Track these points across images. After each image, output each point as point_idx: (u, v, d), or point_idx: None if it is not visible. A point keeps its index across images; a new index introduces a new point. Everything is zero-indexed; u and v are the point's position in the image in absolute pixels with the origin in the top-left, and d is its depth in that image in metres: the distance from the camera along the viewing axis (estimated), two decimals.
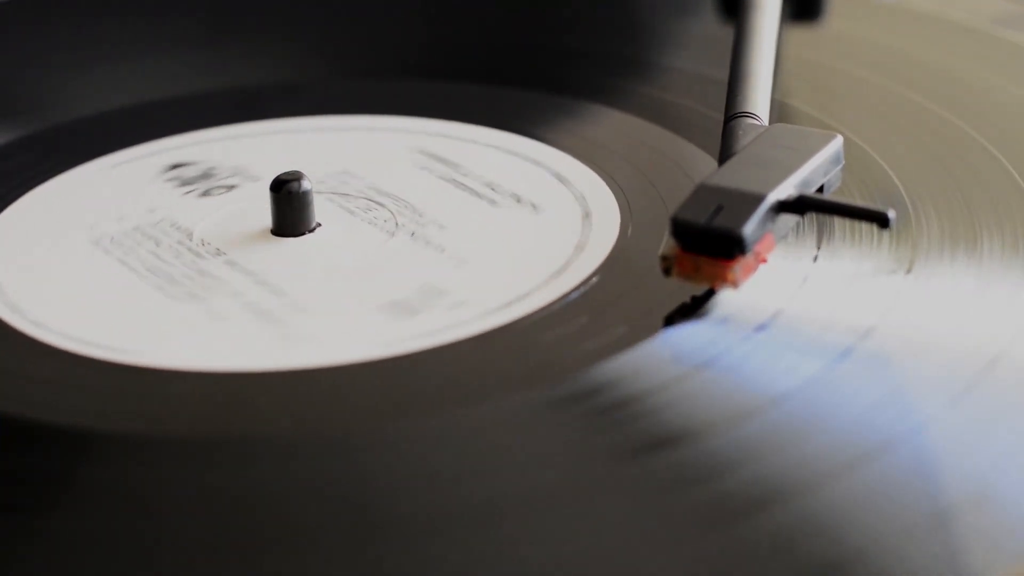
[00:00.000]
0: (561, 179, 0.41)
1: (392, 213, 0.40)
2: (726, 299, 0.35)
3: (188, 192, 0.42)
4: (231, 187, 0.42)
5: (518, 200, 0.40)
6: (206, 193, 0.42)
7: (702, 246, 0.34)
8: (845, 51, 0.48)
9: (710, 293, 0.35)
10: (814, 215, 0.37)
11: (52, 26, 0.53)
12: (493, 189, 0.41)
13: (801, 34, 0.50)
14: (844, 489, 0.30)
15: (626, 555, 0.29)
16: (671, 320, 0.35)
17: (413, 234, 0.39)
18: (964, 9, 0.50)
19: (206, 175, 0.42)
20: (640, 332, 0.34)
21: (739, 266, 0.34)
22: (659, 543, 0.29)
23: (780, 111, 0.44)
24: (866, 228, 0.37)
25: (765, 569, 0.28)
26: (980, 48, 0.48)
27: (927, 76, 0.46)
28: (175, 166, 0.43)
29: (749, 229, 0.34)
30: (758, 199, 0.35)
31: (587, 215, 0.39)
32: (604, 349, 0.34)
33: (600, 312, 0.35)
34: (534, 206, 0.40)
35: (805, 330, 0.34)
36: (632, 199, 0.40)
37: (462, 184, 0.41)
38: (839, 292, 0.36)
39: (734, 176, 0.36)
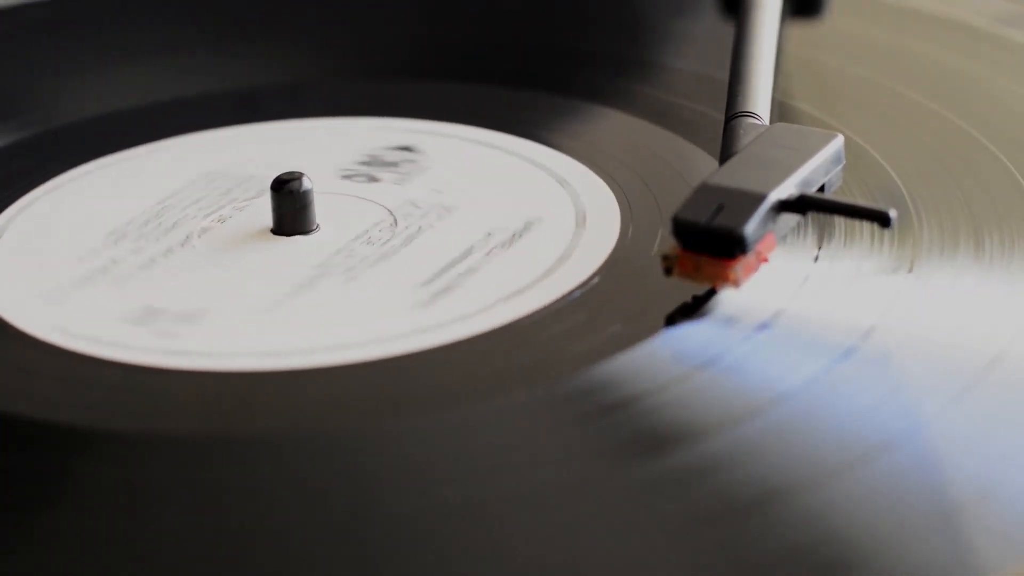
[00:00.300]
0: (561, 180, 0.41)
1: (388, 211, 0.40)
2: (727, 299, 0.35)
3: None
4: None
5: (518, 201, 0.41)
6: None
7: (703, 246, 0.34)
8: (846, 50, 0.48)
9: (711, 293, 0.35)
10: (815, 215, 0.37)
11: (52, 30, 0.53)
12: (492, 188, 0.41)
13: (802, 33, 0.50)
14: (845, 488, 0.30)
15: (626, 555, 0.29)
16: (671, 320, 0.35)
17: (420, 228, 0.39)
18: (966, 8, 0.50)
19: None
20: (640, 332, 0.34)
21: (740, 266, 0.34)
22: (659, 543, 0.29)
23: (781, 110, 0.44)
24: (867, 228, 0.37)
25: (766, 569, 0.28)
26: (982, 47, 0.48)
27: (928, 75, 0.46)
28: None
29: (750, 228, 0.34)
30: (759, 198, 0.35)
31: (586, 215, 0.39)
32: (604, 349, 0.34)
33: (600, 312, 0.35)
34: (533, 204, 0.40)
35: (806, 330, 0.34)
36: (632, 199, 0.40)
37: (454, 180, 0.42)
38: (840, 292, 0.36)
39: (735, 175, 0.36)
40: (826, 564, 0.28)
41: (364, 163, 0.43)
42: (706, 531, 0.29)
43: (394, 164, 0.43)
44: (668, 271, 0.35)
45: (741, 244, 0.34)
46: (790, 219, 0.36)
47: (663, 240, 0.37)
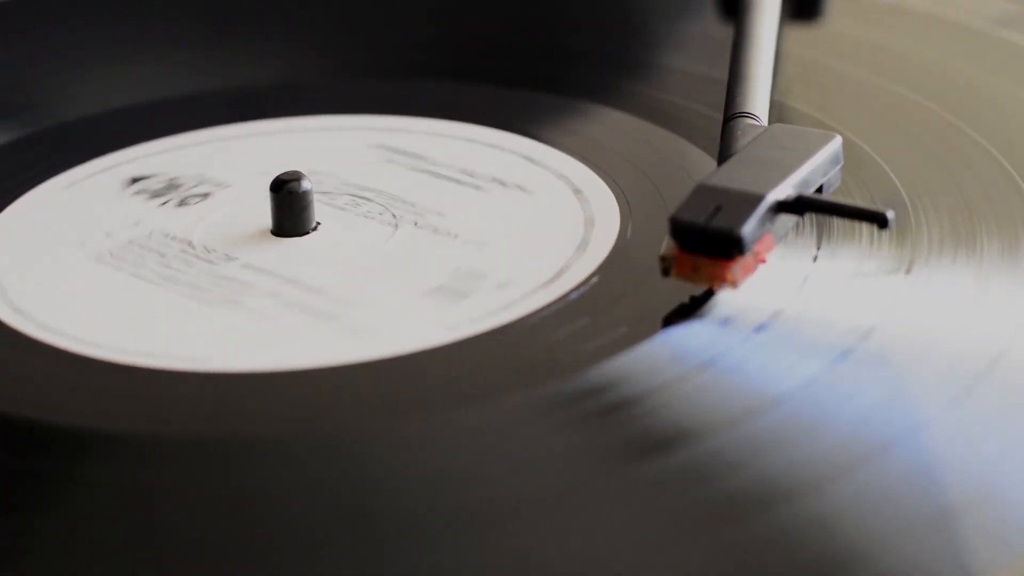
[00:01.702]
0: (561, 179, 0.41)
1: (385, 207, 0.40)
2: (726, 299, 0.35)
3: (163, 203, 0.42)
4: (205, 195, 0.42)
5: (518, 201, 0.41)
6: (182, 203, 0.41)
7: (701, 246, 0.34)
8: (845, 51, 0.48)
9: (710, 293, 0.35)
10: (814, 215, 0.37)
11: (48, 27, 0.53)
12: (492, 190, 0.41)
13: (800, 34, 0.50)
14: (845, 489, 0.30)
15: (626, 555, 0.29)
16: (671, 320, 0.35)
17: (415, 223, 0.39)
18: (964, 9, 0.50)
19: (172, 185, 0.42)
20: (640, 332, 0.34)
21: (738, 266, 0.34)
22: (659, 543, 0.29)
23: (780, 111, 0.44)
24: (866, 228, 0.37)
25: (766, 569, 0.28)
26: (980, 48, 0.48)
27: (927, 76, 0.46)
28: (136, 179, 0.43)
29: (748, 229, 0.34)
30: (757, 199, 0.35)
31: (586, 215, 0.39)
32: (604, 349, 0.34)
33: (600, 312, 0.35)
34: (533, 204, 0.40)
35: (805, 330, 0.34)
36: (632, 199, 0.40)
37: (454, 180, 0.42)
38: (839, 292, 0.36)
39: (733, 176, 0.36)
40: (825, 564, 0.28)
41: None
42: (706, 531, 0.29)
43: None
44: (666, 272, 0.35)
45: (739, 245, 0.34)
46: (788, 220, 0.36)
47: (661, 240, 0.37)
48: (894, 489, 0.30)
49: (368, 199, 0.41)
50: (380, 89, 0.47)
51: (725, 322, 0.35)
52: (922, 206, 0.39)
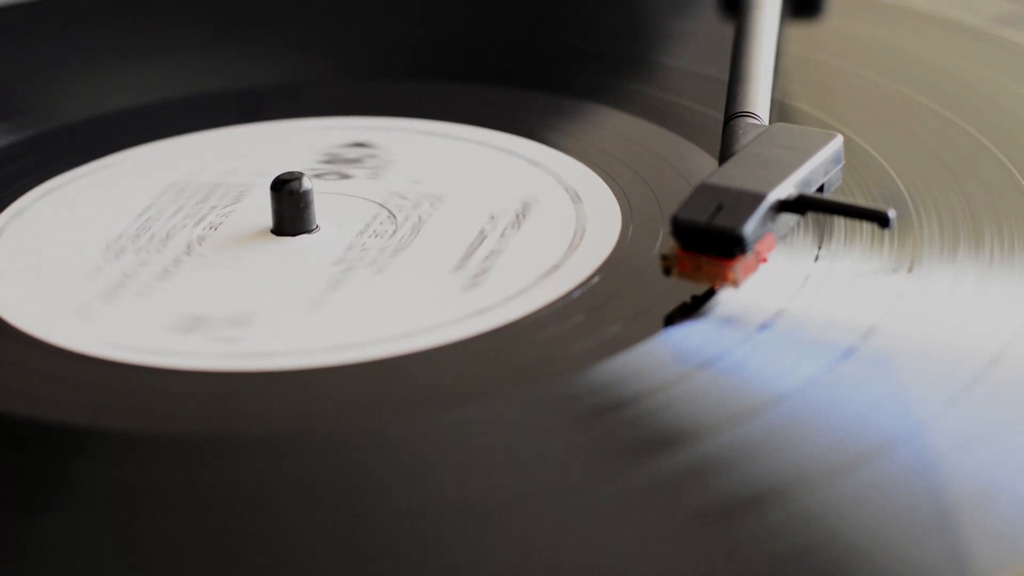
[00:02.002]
0: (560, 179, 0.41)
1: (389, 211, 0.40)
2: (727, 299, 0.35)
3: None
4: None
5: (518, 201, 0.41)
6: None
7: (702, 245, 0.34)
8: (846, 51, 0.48)
9: (710, 293, 0.35)
10: (815, 215, 0.37)
11: (52, 29, 0.53)
12: (501, 182, 0.41)
13: (801, 33, 0.50)
14: (844, 489, 0.30)
15: (626, 555, 0.29)
16: (671, 320, 0.35)
17: (415, 224, 0.39)
18: (964, 8, 0.50)
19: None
20: (640, 332, 0.34)
21: (739, 265, 0.34)
22: (659, 543, 0.29)
23: (781, 110, 0.44)
24: (867, 228, 0.37)
25: (765, 569, 0.28)
26: (981, 47, 0.48)
27: (928, 75, 0.46)
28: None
29: (749, 228, 0.34)
30: (758, 198, 0.35)
31: (586, 215, 0.39)
32: (604, 349, 0.34)
33: (600, 312, 0.35)
34: (533, 204, 0.40)
35: (806, 330, 0.34)
36: (632, 199, 0.40)
37: (454, 180, 0.42)
38: (840, 292, 0.36)
39: (734, 175, 0.36)
40: (825, 564, 0.28)
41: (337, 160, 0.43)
42: (705, 531, 0.29)
43: (357, 161, 0.43)
44: (667, 271, 0.35)
45: (740, 244, 0.34)
46: (789, 219, 0.36)
47: (661, 240, 0.37)
48: (894, 489, 0.30)
49: (367, 199, 0.41)
50: (380, 90, 0.47)
51: (725, 322, 0.35)
52: (923, 205, 0.39)
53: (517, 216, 0.40)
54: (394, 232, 0.39)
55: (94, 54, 0.51)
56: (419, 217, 0.40)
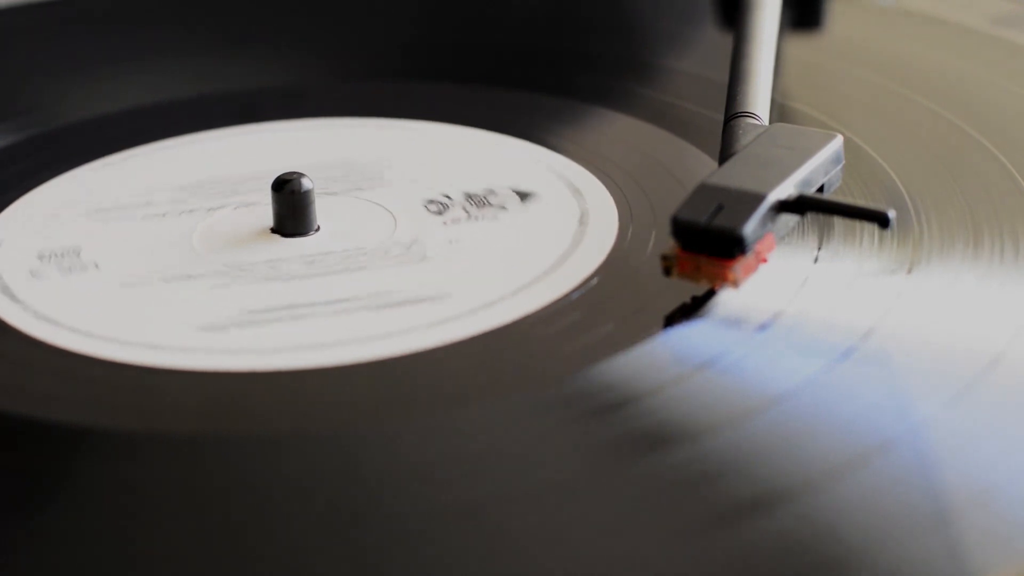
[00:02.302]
0: (561, 181, 0.41)
1: (390, 212, 0.40)
2: (727, 299, 0.35)
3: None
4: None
5: (518, 201, 0.41)
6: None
7: (702, 246, 0.34)
8: (846, 53, 0.48)
9: (710, 293, 0.35)
10: (815, 215, 0.37)
11: (54, 31, 0.53)
12: (492, 191, 0.41)
13: (803, 36, 0.50)
14: (844, 489, 0.30)
15: (625, 555, 0.29)
16: (671, 320, 0.35)
17: (414, 223, 0.39)
18: (964, 9, 0.50)
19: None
20: (640, 332, 0.34)
21: (739, 266, 0.34)
22: (659, 543, 0.29)
23: (782, 113, 0.44)
24: (867, 228, 0.37)
25: (765, 569, 0.28)
26: (980, 48, 0.48)
27: (928, 76, 0.46)
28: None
29: (749, 229, 0.34)
30: (758, 199, 0.35)
31: (586, 216, 0.39)
32: (604, 349, 0.34)
33: (600, 312, 0.35)
34: (533, 205, 0.40)
35: (805, 330, 0.34)
36: (632, 200, 0.40)
37: (453, 179, 0.42)
38: (839, 292, 0.36)
39: (734, 176, 0.36)
40: (824, 564, 0.28)
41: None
42: (705, 531, 0.29)
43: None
44: (667, 271, 0.35)
45: (740, 244, 0.34)
46: (789, 219, 0.36)
47: (661, 240, 0.37)
48: (894, 489, 0.30)
49: (366, 200, 0.41)
50: (379, 91, 0.47)
51: (725, 322, 0.35)
52: (923, 206, 0.39)
53: (517, 216, 0.40)
54: (390, 236, 0.39)
55: (94, 54, 0.51)
56: (421, 216, 0.40)
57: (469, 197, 0.41)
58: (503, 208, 0.40)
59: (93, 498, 0.31)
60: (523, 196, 0.41)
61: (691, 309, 0.35)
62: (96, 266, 0.39)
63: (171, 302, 0.37)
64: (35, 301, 0.37)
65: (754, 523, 0.29)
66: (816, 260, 0.37)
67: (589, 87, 0.47)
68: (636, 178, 0.41)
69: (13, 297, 0.37)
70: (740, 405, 0.32)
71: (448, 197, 0.41)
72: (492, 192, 0.41)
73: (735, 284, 0.34)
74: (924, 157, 0.41)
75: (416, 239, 0.39)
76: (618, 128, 0.44)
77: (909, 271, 0.36)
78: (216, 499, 0.30)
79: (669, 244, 0.35)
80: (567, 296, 0.36)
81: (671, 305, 0.35)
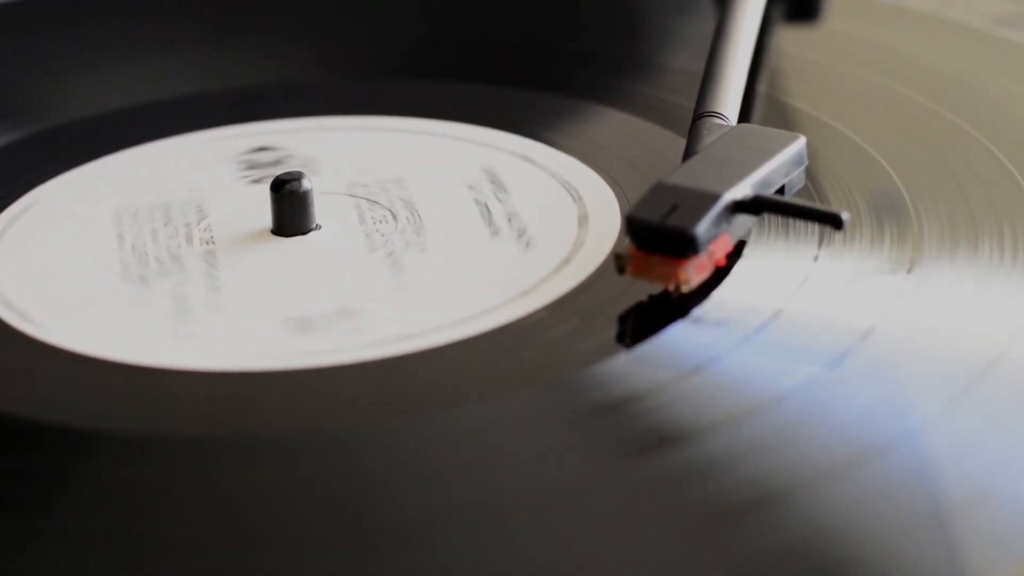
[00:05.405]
0: (560, 179, 0.41)
1: (391, 213, 0.40)
2: (726, 300, 0.35)
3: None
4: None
5: (516, 201, 0.41)
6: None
7: (656, 245, 0.34)
8: (845, 51, 0.48)
9: (710, 294, 0.35)
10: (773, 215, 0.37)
11: (54, 27, 0.53)
12: (493, 191, 0.41)
13: (801, 34, 0.50)
14: (843, 489, 0.30)
15: (625, 555, 0.29)
16: (671, 320, 0.35)
17: (414, 223, 0.39)
18: (964, 8, 0.50)
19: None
20: (639, 332, 0.34)
21: (692, 266, 0.34)
22: (659, 544, 0.29)
23: (780, 111, 0.44)
24: (866, 228, 0.38)
25: (764, 570, 0.28)
26: (981, 47, 0.48)
27: (928, 76, 0.46)
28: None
29: (702, 228, 0.34)
30: (713, 198, 0.35)
31: (586, 215, 0.39)
32: (603, 349, 0.34)
33: (599, 312, 0.35)
34: (531, 204, 0.40)
35: (805, 330, 0.34)
36: (632, 199, 0.40)
37: (453, 180, 0.42)
38: (839, 292, 0.36)
39: (692, 175, 0.36)
40: (824, 565, 0.28)
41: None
42: (704, 531, 0.29)
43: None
44: (621, 270, 0.35)
45: (693, 244, 0.34)
46: (747, 220, 0.36)
47: (621, 240, 0.38)
48: (893, 489, 0.30)
49: (366, 199, 0.41)
50: (378, 89, 0.47)
51: (725, 322, 0.35)
52: (923, 205, 0.39)
53: (516, 216, 0.40)
54: (393, 231, 0.39)
55: (94, 54, 0.51)
56: (420, 216, 0.40)
57: (468, 196, 0.41)
58: (502, 206, 0.40)
59: (94, 500, 0.31)
60: (522, 194, 0.41)
61: (691, 309, 0.35)
62: (97, 266, 0.39)
63: (170, 301, 0.37)
64: (36, 303, 0.37)
65: (753, 523, 0.29)
66: (816, 260, 0.37)
67: (589, 85, 0.46)
68: (637, 176, 0.41)
69: (9, 299, 0.37)
70: (740, 405, 0.32)
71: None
72: (492, 190, 0.41)
73: (687, 284, 0.34)
74: (924, 156, 0.41)
75: (414, 237, 0.39)
76: (619, 126, 0.44)
77: (909, 271, 0.36)
78: (215, 500, 0.31)
79: (625, 243, 0.35)
80: (567, 296, 0.36)
81: (671, 305, 0.35)
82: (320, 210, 0.40)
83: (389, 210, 0.40)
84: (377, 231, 0.39)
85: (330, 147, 0.44)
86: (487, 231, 0.39)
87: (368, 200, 0.41)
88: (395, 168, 0.42)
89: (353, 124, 0.45)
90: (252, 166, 0.43)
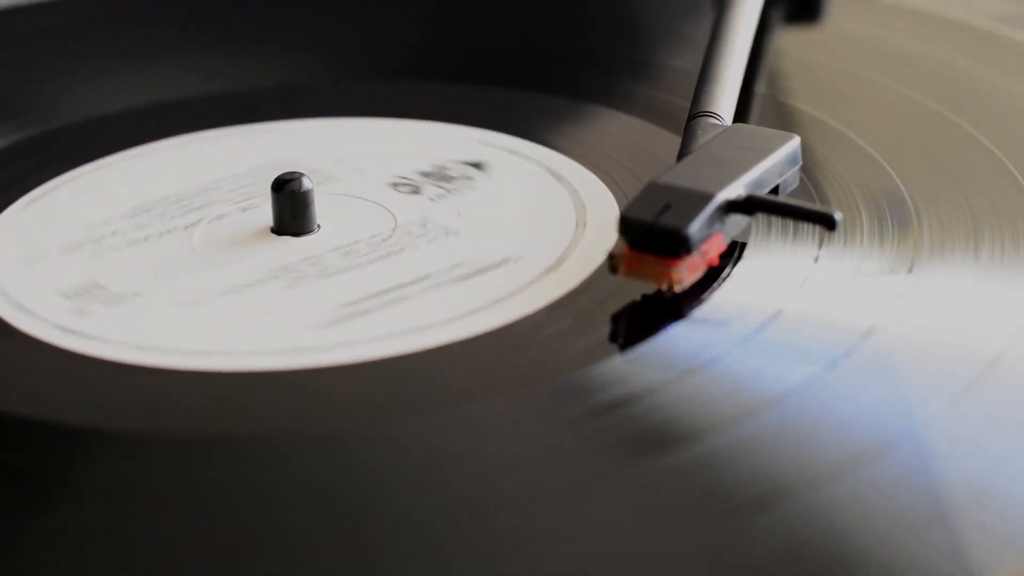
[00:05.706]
0: (559, 179, 0.41)
1: (383, 207, 0.40)
2: (726, 299, 0.35)
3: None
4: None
5: (515, 201, 0.41)
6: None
7: (649, 244, 0.34)
8: (846, 50, 0.48)
9: (709, 293, 0.35)
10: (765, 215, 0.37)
11: (54, 30, 0.53)
12: (500, 183, 0.41)
13: (802, 34, 0.50)
14: (844, 489, 0.30)
15: (625, 555, 0.29)
16: (671, 320, 0.35)
17: (414, 223, 0.39)
18: (966, 8, 0.50)
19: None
20: (639, 332, 0.34)
21: (684, 265, 0.34)
22: (658, 543, 0.29)
23: (780, 111, 0.44)
24: (866, 228, 0.38)
25: (765, 569, 0.28)
26: (982, 47, 0.48)
27: (929, 75, 0.46)
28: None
29: (695, 228, 0.34)
30: (706, 198, 0.35)
31: (585, 215, 0.39)
32: (603, 349, 0.34)
33: (599, 312, 0.35)
34: (531, 204, 0.40)
35: (805, 330, 0.34)
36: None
37: (452, 180, 0.42)
38: (839, 292, 0.36)
39: (685, 175, 0.35)
40: (825, 564, 0.28)
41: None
42: (705, 531, 0.29)
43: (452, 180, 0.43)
44: (613, 270, 0.35)
45: (685, 244, 0.34)
46: (740, 220, 0.36)
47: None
48: (893, 488, 0.30)
49: (366, 199, 0.41)
50: (378, 91, 0.47)
51: (725, 322, 0.35)
52: (923, 205, 0.39)
53: (516, 215, 0.40)
54: (389, 236, 0.39)
55: (94, 55, 0.51)
56: (420, 216, 0.40)
57: (468, 196, 0.41)
58: (469, 179, 0.40)
59: (93, 499, 0.31)
60: (522, 194, 0.41)
61: (691, 309, 0.35)
62: (94, 266, 0.39)
63: (170, 301, 0.37)
64: (36, 302, 0.37)
65: (754, 523, 0.29)
66: (816, 260, 0.37)
67: (589, 85, 0.47)
68: (636, 178, 0.41)
69: (11, 298, 0.37)
70: (740, 405, 0.32)
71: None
72: (491, 190, 0.41)
73: (679, 283, 0.34)
74: (925, 157, 0.41)
75: (414, 237, 0.39)
76: (618, 126, 0.44)
77: (909, 271, 0.36)
78: (215, 500, 0.31)
79: (618, 243, 0.35)
80: (567, 296, 0.36)
81: (671, 305, 0.35)
82: (320, 210, 0.40)
83: (389, 210, 0.40)
84: (377, 231, 0.39)
85: (329, 147, 0.44)
86: (484, 230, 0.39)
87: (368, 200, 0.41)
88: (395, 168, 0.42)
89: (354, 125, 0.45)
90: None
